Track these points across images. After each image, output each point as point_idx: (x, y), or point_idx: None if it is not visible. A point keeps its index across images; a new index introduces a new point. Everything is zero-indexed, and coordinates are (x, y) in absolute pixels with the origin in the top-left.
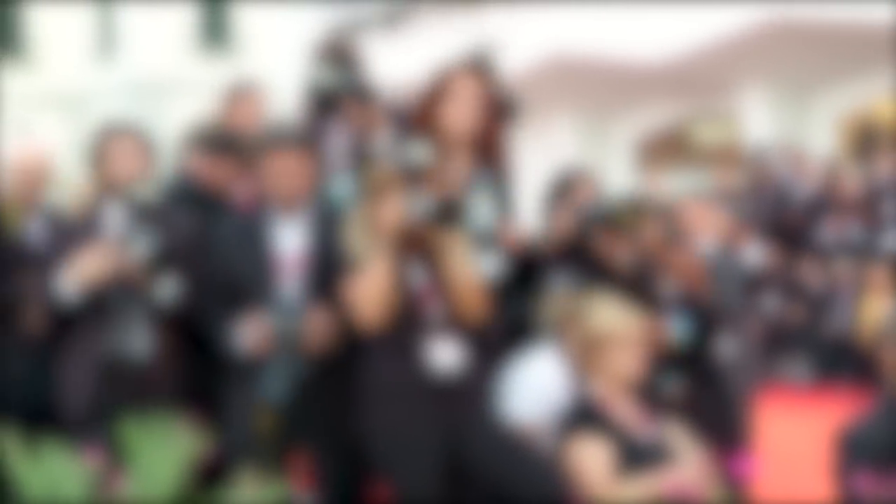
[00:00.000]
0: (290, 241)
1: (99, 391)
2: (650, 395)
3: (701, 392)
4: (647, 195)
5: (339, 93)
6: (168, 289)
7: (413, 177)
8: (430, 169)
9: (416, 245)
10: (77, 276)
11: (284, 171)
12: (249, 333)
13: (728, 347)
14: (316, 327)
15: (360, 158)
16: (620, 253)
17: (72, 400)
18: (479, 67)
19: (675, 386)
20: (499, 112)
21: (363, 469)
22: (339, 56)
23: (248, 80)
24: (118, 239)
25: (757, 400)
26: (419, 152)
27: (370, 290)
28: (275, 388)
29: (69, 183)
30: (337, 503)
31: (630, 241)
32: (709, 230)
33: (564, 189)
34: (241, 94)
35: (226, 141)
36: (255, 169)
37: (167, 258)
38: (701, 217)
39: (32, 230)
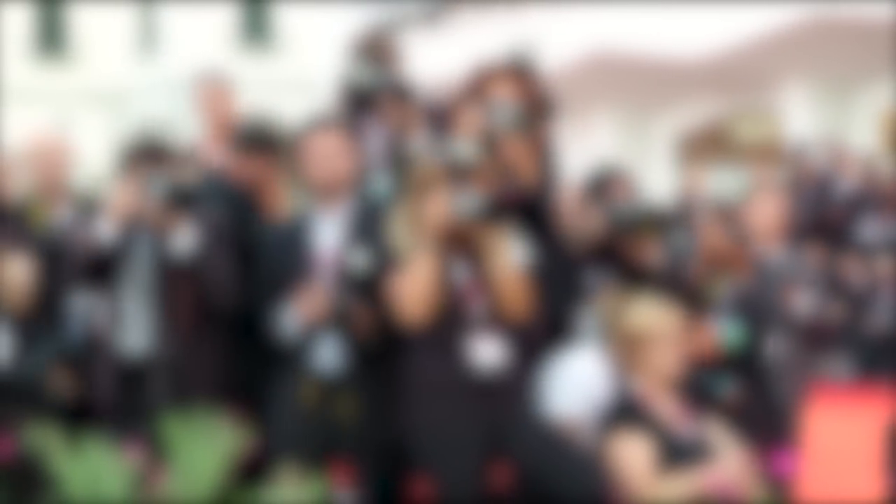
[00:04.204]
0: (328, 238)
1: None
2: (700, 396)
3: (750, 393)
4: (688, 196)
5: (375, 91)
6: (184, 239)
7: (459, 174)
8: (476, 166)
9: (460, 242)
10: (298, 316)
11: (325, 153)
12: (302, 305)
13: (775, 347)
14: (359, 320)
15: (397, 157)
16: (653, 254)
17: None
18: (519, 67)
19: (725, 388)
20: (540, 111)
21: (403, 466)
22: (376, 53)
23: (217, 74)
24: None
25: (801, 398)
26: (465, 149)
27: (414, 287)
28: (323, 361)
29: (108, 178)
30: (376, 501)
31: (666, 242)
32: (762, 230)
33: (598, 187)
34: (209, 87)
35: (261, 139)
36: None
37: (208, 250)
38: (755, 216)
39: (62, 218)
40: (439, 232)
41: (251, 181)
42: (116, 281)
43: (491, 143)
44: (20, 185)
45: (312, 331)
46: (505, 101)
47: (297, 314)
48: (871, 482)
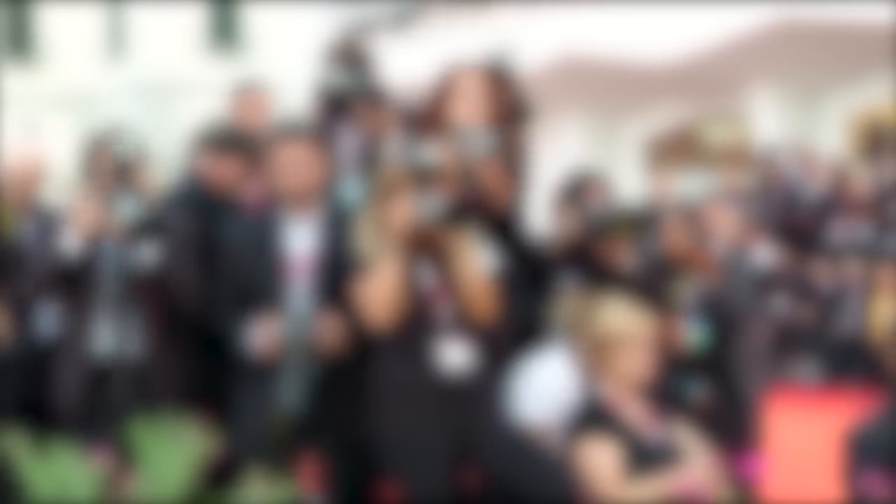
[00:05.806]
0: (300, 242)
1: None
2: (667, 398)
3: (717, 395)
4: (656, 200)
5: (349, 94)
6: (149, 254)
7: (423, 177)
8: (441, 169)
9: (426, 246)
10: (258, 343)
11: (295, 163)
12: (260, 337)
13: (740, 348)
14: (328, 333)
15: (371, 160)
16: (626, 256)
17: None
18: (493, 70)
19: (693, 390)
20: (514, 114)
21: (371, 469)
22: (349, 57)
23: (256, 79)
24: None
25: (767, 400)
26: (430, 153)
27: (380, 292)
28: (286, 393)
29: (75, 183)
30: (345, 503)
31: (637, 245)
32: (722, 232)
33: (574, 191)
34: (249, 93)
35: (233, 140)
36: (264, 167)
37: (173, 257)
38: (715, 219)
39: (27, 230)
40: (404, 236)
41: (226, 184)
42: (83, 287)
43: (467, 175)
44: None
45: (272, 364)
46: (476, 129)
47: (256, 345)
48: (834, 483)
